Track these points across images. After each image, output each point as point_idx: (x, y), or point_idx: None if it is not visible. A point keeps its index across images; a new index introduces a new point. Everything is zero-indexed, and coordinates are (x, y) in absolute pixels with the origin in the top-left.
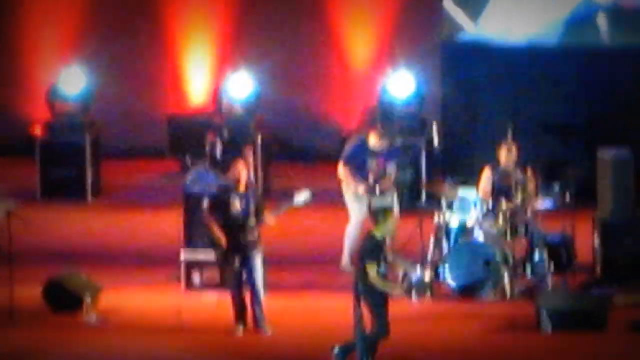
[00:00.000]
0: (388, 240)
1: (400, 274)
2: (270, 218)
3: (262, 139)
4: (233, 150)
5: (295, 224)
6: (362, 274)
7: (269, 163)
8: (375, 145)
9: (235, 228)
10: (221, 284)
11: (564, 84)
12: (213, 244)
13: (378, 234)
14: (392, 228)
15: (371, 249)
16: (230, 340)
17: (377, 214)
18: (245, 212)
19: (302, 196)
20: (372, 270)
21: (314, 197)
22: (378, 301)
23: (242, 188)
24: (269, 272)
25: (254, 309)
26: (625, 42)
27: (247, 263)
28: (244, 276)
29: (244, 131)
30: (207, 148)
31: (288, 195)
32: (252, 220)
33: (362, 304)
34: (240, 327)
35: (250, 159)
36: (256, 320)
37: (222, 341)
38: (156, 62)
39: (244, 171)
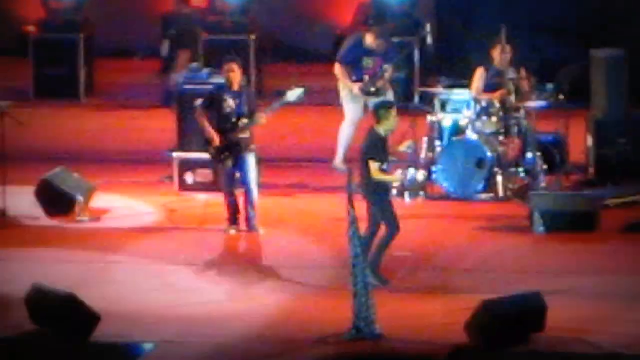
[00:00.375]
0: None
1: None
2: (263, 117)
3: (256, 39)
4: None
5: (289, 123)
6: (366, 170)
7: (263, 63)
8: (371, 45)
9: (229, 127)
10: (214, 185)
11: None
12: (206, 142)
13: (380, 130)
14: (394, 124)
15: (374, 145)
16: (223, 239)
17: (378, 111)
18: (239, 111)
19: (295, 93)
20: (373, 166)
21: (308, 96)
22: (383, 198)
23: (235, 87)
24: (263, 172)
25: (247, 209)
26: None
27: (240, 163)
28: (237, 176)
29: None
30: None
31: (281, 93)
32: (245, 120)
33: (367, 203)
34: (233, 228)
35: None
36: (248, 221)
37: (215, 240)
38: None
39: (238, 71)
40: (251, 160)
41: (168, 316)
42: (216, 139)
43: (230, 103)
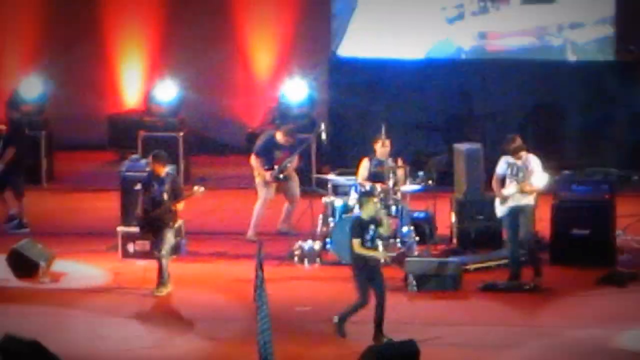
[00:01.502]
0: (381, 217)
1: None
2: (178, 204)
3: (184, 135)
4: None
5: (211, 203)
6: (351, 248)
7: (190, 154)
8: (281, 141)
9: (152, 206)
10: (151, 253)
11: (427, 90)
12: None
13: (363, 214)
14: (373, 209)
15: (357, 225)
16: (154, 297)
17: (360, 199)
18: (159, 194)
19: (199, 190)
20: (356, 244)
21: (225, 181)
22: (359, 273)
23: (161, 174)
24: (190, 243)
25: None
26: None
27: (157, 235)
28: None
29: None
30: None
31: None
32: (165, 201)
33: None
34: (159, 291)
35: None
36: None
37: (149, 298)
38: (97, 71)
39: (156, 164)
40: (167, 234)
41: (115, 359)
42: (139, 215)
43: (155, 188)
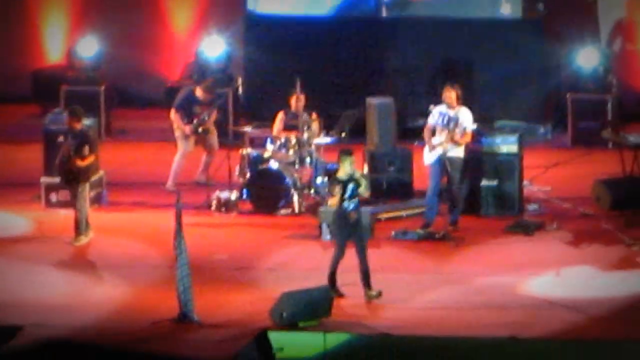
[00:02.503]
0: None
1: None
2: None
3: (105, 89)
4: None
5: (132, 155)
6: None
7: (110, 108)
8: (200, 96)
9: (67, 160)
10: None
11: (341, 46)
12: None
13: (340, 173)
14: (348, 169)
15: (331, 185)
16: (76, 246)
17: (340, 156)
18: (72, 148)
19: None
20: (331, 201)
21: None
22: (339, 230)
23: (76, 129)
24: (110, 193)
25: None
26: (400, 15)
27: (72, 189)
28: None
29: None
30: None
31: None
32: (78, 155)
33: None
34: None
35: None
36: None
37: (71, 246)
38: (21, 27)
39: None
40: (79, 188)
41: (37, 305)
42: (57, 167)
43: (69, 142)
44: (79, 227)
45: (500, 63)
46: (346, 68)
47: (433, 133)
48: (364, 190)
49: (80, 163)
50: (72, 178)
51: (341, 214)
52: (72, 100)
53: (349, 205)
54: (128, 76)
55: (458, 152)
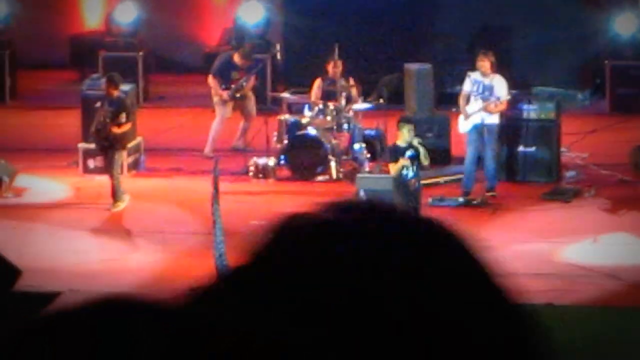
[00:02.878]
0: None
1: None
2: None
3: (143, 55)
4: None
5: (169, 121)
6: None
7: (148, 74)
8: (238, 62)
9: (103, 127)
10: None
11: (385, 16)
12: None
13: (399, 141)
14: (408, 135)
15: (390, 152)
16: (113, 212)
17: (398, 124)
18: (108, 115)
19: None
20: (391, 168)
21: (184, 98)
22: (399, 197)
23: (113, 95)
24: (148, 159)
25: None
26: None
27: (107, 155)
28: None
29: None
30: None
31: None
32: (114, 122)
33: None
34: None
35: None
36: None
37: (108, 212)
38: None
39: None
40: (115, 155)
41: (75, 271)
42: (92, 133)
43: (105, 108)
44: (116, 193)
45: (539, 29)
46: (384, 34)
47: (467, 100)
48: (423, 158)
49: (116, 130)
50: (108, 145)
51: (401, 182)
52: (110, 66)
53: (408, 172)
54: (166, 42)
55: (493, 119)
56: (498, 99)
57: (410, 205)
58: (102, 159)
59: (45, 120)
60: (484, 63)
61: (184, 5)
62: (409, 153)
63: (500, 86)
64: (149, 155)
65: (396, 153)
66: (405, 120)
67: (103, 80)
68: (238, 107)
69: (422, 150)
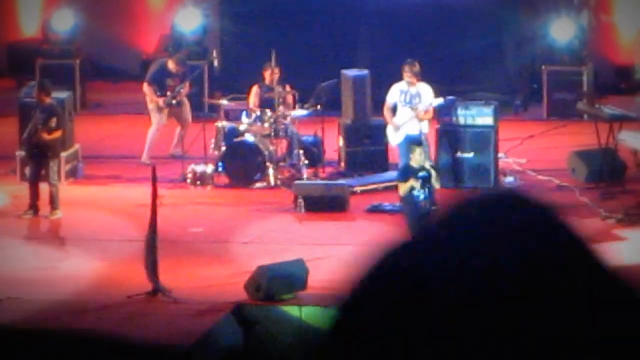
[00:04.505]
0: (426, 165)
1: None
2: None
3: (80, 62)
4: None
5: (106, 128)
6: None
7: (86, 81)
8: (172, 69)
9: (34, 134)
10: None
11: (315, 17)
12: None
13: (412, 162)
14: (418, 159)
15: (402, 171)
16: (51, 219)
17: (410, 148)
18: (39, 122)
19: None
20: (400, 187)
21: (121, 106)
22: (409, 216)
23: (45, 103)
24: (86, 166)
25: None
26: None
27: (41, 163)
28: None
29: None
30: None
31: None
32: (45, 129)
33: None
34: (28, 213)
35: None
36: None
37: (46, 219)
38: None
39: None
40: (50, 163)
41: (13, 278)
42: (23, 140)
43: (37, 115)
44: (54, 201)
45: (475, 34)
46: (321, 40)
47: (394, 112)
48: (435, 181)
49: (47, 137)
50: (38, 152)
51: (412, 203)
52: (48, 74)
53: (420, 194)
54: (103, 49)
55: (423, 128)
56: (428, 105)
57: (420, 224)
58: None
59: None
60: (410, 73)
61: (121, 13)
62: (421, 174)
63: (426, 93)
64: (86, 163)
65: (408, 174)
66: (415, 142)
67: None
68: (174, 113)
69: (434, 173)
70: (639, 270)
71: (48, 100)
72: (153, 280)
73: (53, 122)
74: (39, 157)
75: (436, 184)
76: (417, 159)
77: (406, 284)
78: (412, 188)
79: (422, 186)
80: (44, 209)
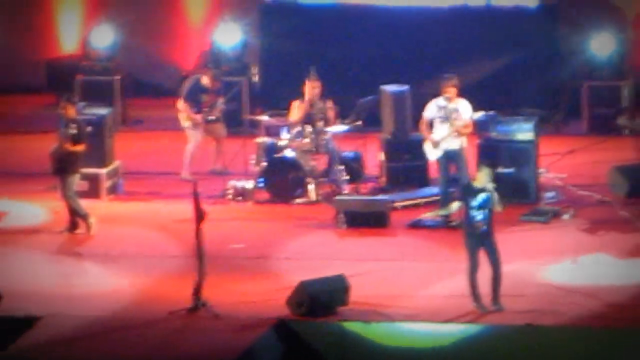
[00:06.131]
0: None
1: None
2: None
3: (121, 78)
4: None
5: (147, 144)
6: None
7: (126, 97)
8: (207, 85)
9: (59, 147)
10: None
11: (356, 33)
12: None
13: (476, 182)
14: (485, 179)
15: (462, 190)
16: (91, 235)
17: (479, 168)
18: (65, 135)
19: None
20: (455, 205)
21: (162, 122)
22: (466, 237)
23: (71, 117)
24: (126, 182)
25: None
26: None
27: (62, 178)
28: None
29: None
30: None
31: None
32: (69, 140)
33: None
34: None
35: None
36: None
37: (87, 235)
38: (36, 16)
39: (68, 107)
40: (68, 178)
41: (55, 295)
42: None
43: (62, 130)
44: (80, 214)
45: (515, 50)
46: (361, 55)
47: (430, 127)
48: (497, 205)
49: (71, 148)
50: (62, 166)
51: (469, 223)
52: (88, 90)
53: (477, 215)
54: (143, 65)
55: (461, 143)
56: (466, 119)
57: (477, 245)
58: (81, 183)
59: (24, 144)
60: (449, 88)
61: (161, 29)
62: (482, 197)
63: (465, 109)
64: (127, 179)
65: (468, 192)
66: (485, 164)
67: (81, 105)
68: (208, 130)
69: (495, 196)
70: None
71: (73, 114)
72: (195, 295)
73: (75, 132)
74: (63, 172)
75: (497, 207)
76: (482, 180)
77: None
78: (470, 208)
79: (480, 207)
80: (83, 225)
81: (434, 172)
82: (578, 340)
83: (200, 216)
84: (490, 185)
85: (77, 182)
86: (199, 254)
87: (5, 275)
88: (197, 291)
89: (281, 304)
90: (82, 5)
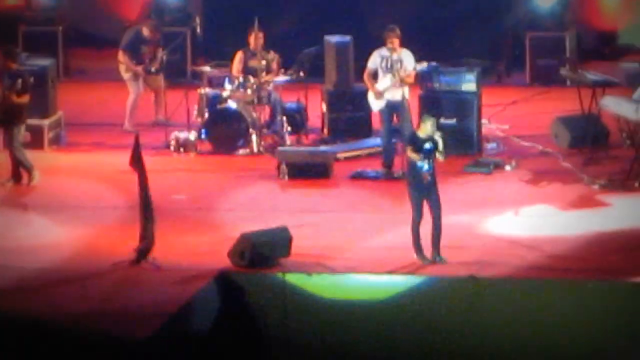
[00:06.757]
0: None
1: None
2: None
3: (63, 29)
4: None
5: (90, 96)
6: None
7: (69, 48)
8: (147, 36)
9: (2, 100)
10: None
11: None
12: None
13: (420, 132)
14: (429, 130)
15: (409, 138)
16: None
17: (420, 117)
18: (8, 87)
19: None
20: (408, 150)
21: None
22: (411, 187)
23: (12, 69)
24: (69, 133)
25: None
26: None
27: (6, 130)
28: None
29: None
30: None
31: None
32: (14, 91)
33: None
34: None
35: None
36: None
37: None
38: None
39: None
40: (14, 130)
41: None
42: None
43: (5, 82)
44: (26, 166)
45: (460, 0)
46: (304, 6)
47: (375, 77)
48: (439, 154)
49: (16, 99)
50: (8, 117)
51: (415, 174)
52: (30, 41)
53: (423, 165)
54: (86, 16)
55: (404, 94)
56: (411, 69)
57: (422, 195)
58: (24, 134)
59: None
60: (392, 39)
61: None
62: (427, 146)
63: (408, 59)
64: (69, 130)
65: (414, 142)
66: (429, 113)
67: (26, 55)
68: (147, 81)
69: (440, 145)
70: (623, 236)
71: (15, 66)
72: (139, 246)
73: (19, 84)
74: (10, 123)
75: (440, 157)
76: (427, 129)
77: None
78: (416, 158)
79: (427, 157)
80: (26, 176)
81: (376, 123)
82: (520, 292)
83: (139, 166)
84: (436, 134)
85: (23, 133)
86: (144, 204)
87: None
88: (143, 245)
89: (223, 256)
90: None
